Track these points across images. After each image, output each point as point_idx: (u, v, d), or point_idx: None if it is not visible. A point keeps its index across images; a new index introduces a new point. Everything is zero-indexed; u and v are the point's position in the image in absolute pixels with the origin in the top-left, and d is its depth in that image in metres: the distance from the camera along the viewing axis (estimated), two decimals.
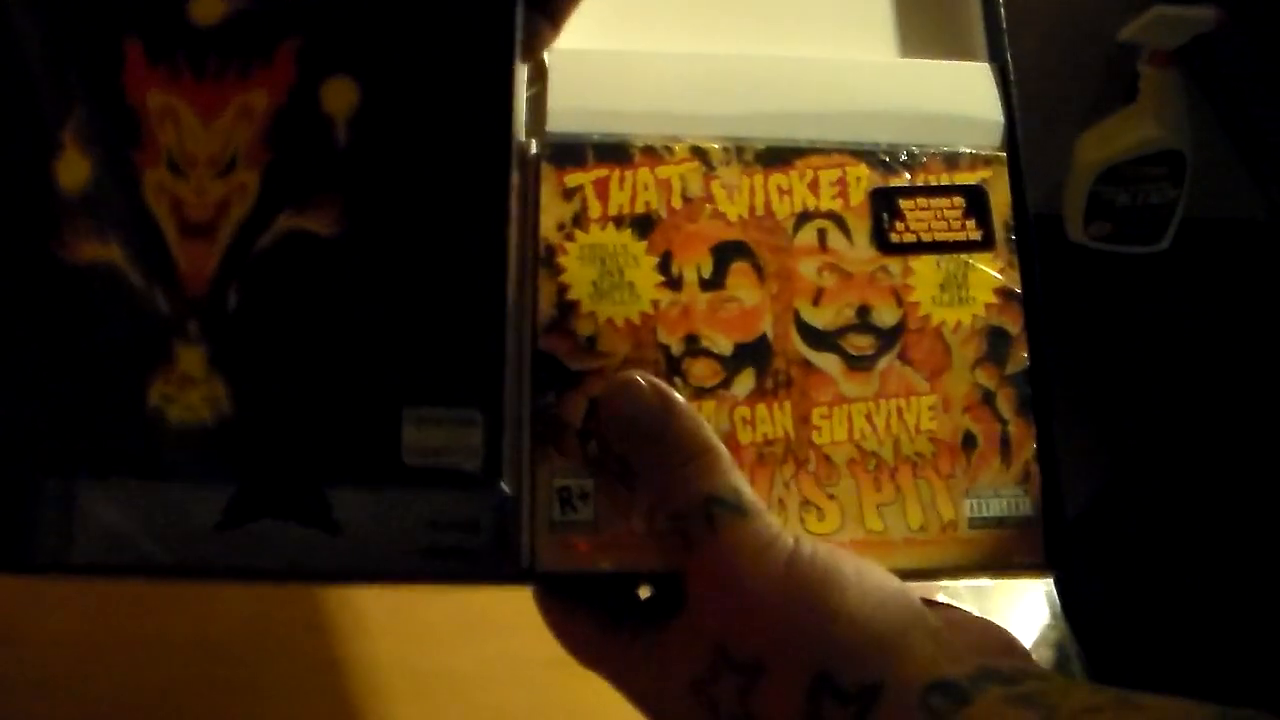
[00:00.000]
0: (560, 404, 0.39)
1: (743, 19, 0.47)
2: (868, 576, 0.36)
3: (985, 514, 0.41)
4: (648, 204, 0.42)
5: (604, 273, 0.41)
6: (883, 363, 0.42)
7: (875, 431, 0.41)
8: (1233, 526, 0.99)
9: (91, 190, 0.33)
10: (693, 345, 0.41)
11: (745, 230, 0.42)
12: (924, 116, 0.45)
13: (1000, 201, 0.44)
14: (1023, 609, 0.61)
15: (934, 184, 0.44)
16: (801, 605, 0.36)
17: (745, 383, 0.41)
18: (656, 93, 0.43)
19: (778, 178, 0.43)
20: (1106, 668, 0.61)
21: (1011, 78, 0.46)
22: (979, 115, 0.45)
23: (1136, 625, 0.92)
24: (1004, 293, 0.43)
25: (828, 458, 0.41)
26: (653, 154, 0.43)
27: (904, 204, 0.43)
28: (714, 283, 0.42)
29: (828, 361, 0.42)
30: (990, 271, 0.43)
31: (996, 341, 0.43)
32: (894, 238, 0.43)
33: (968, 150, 0.44)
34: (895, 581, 0.37)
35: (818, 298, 0.42)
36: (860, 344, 0.42)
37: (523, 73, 0.38)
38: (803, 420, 0.41)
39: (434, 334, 0.32)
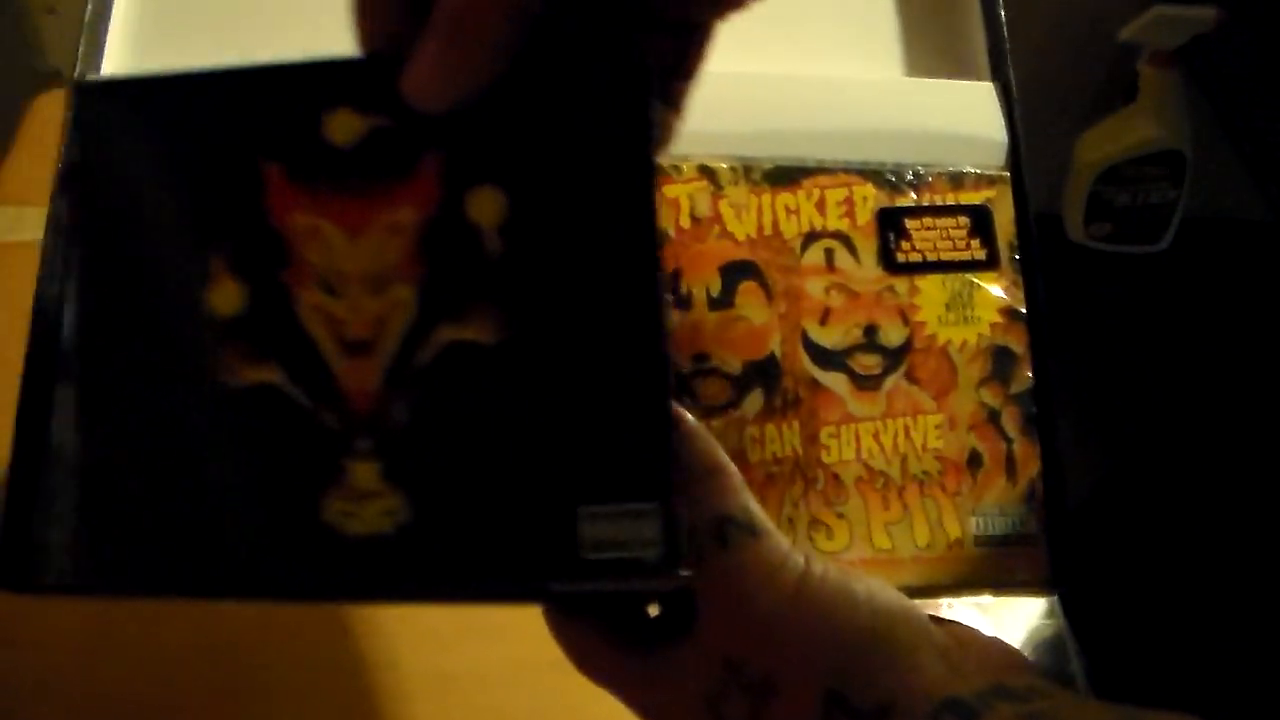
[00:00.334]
0: None
1: (749, 38, 0.47)
2: (878, 596, 0.37)
3: (991, 532, 0.42)
4: None
5: None
6: (890, 382, 0.42)
7: (883, 450, 0.42)
8: (1232, 526, 1.00)
9: (246, 314, 0.33)
10: (702, 364, 0.42)
11: (753, 250, 0.43)
12: (929, 136, 0.45)
13: (1004, 221, 0.44)
14: (1022, 607, 0.61)
15: (939, 204, 0.44)
16: (813, 624, 0.36)
17: (754, 402, 0.42)
18: None
19: (785, 197, 0.44)
20: (1107, 669, 0.61)
21: (1015, 97, 0.46)
22: (983, 135, 0.45)
23: (1135, 623, 0.92)
24: (1008, 312, 0.44)
25: (836, 476, 0.42)
26: (660, 173, 0.43)
27: (910, 224, 0.44)
28: (723, 302, 0.42)
29: (835, 380, 0.42)
30: (995, 291, 0.44)
31: (1001, 361, 0.43)
32: (900, 257, 0.43)
33: (972, 170, 0.45)
34: (905, 600, 0.38)
35: (825, 317, 0.43)
36: (867, 363, 0.43)
37: None
38: (811, 439, 0.42)
39: (602, 431, 0.33)
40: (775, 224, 0.43)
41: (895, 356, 0.43)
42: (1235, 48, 1.14)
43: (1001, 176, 0.45)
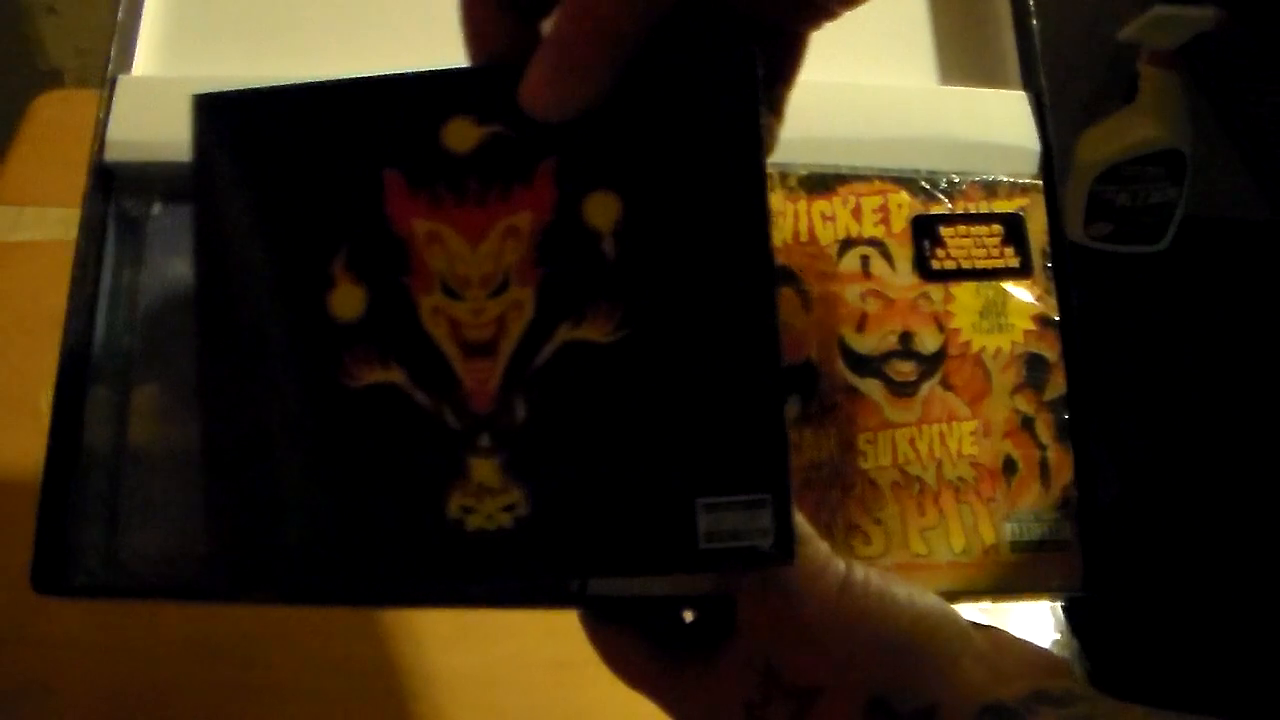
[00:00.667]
0: None
1: None
2: (919, 601, 0.37)
3: (1026, 538, 0.42)
4: None
5: None
6: (925, 389, 0.43)
7: (919, 456, 0.42)
8: (1233, 527, 1.01)
9: (367, 318, 0.34)
10: None
11: (790, 256, 0.43)
12: (962, 144, 0.45)
13: (1037, 229, 0.45)
14: (1024, 612, 0.62)
15: (973, 212, 0.44)
16: (856, 630, 0.36)
17: (791, 408, 0.42)
18: None
19: (821, 204, 0.44)
20: (1106, 668, 0.62)
21: (1047, 105, 0.46)
22: (1016, 143, 0.46)
23: (1136, 626, 0.93)
24: (1041, 320, 0.44)
25: (873, 482, 0.42)
26: None
27: (944, 231, 0.44)
28: None
29: (871, 387, 0.43)
30: (1028, 298, 0.44)
31: (1035, 368, 0.43)
32: (935, 264, 0.44)
33: (1005, 179, 0.45)
34: (945, 605, 0.38)
35: (862, 324, 0.43)
36: (903, 370, 0.43)
37: None
38: (848, 445, 0.42)
39: (716, 425, 0.34)
40: (811, 230, 0.44)
41: (931, 363, 0.43)
42: (1235, 48, 1.15)
43: (1034, 185, 0.45)
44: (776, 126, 0.39)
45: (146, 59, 0.48)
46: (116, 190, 0.45)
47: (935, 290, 0.44)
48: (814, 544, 0.38)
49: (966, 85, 0.48)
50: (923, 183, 0.45)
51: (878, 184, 0.44)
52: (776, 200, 0.44)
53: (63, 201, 0.76)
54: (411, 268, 0.34)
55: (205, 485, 0.35)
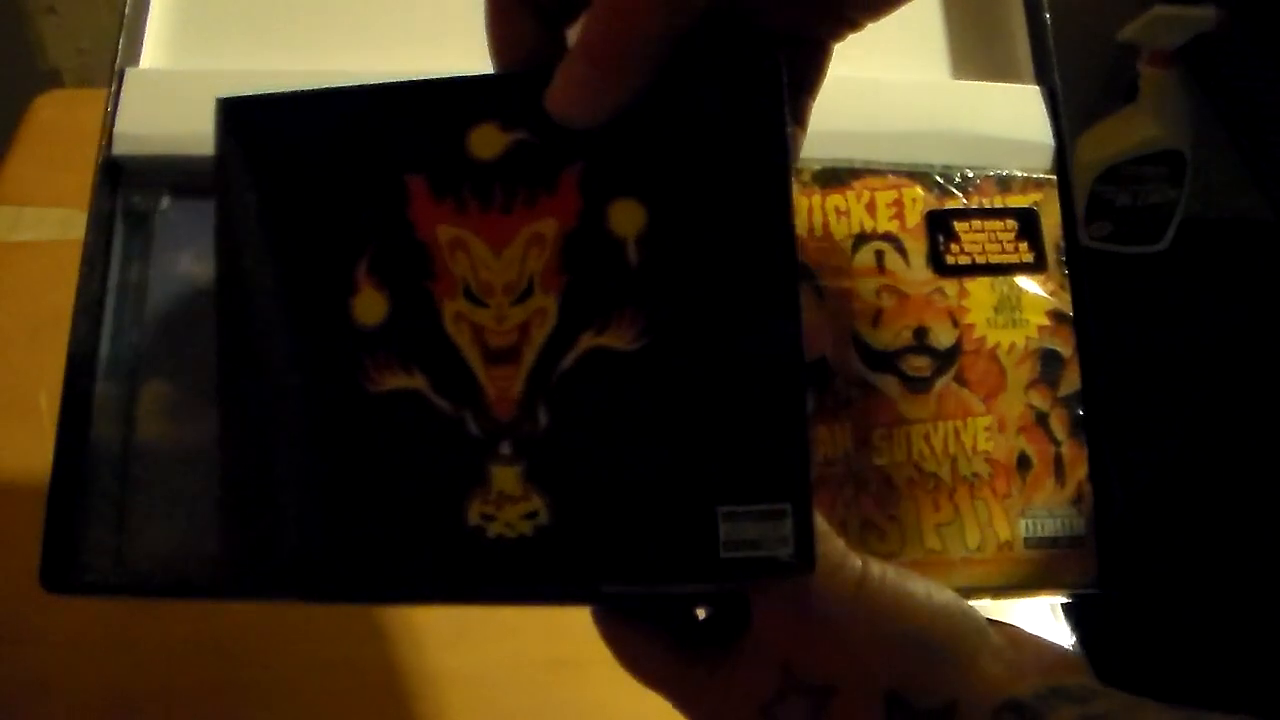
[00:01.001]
0: None
1: None
2: (937, 597, 0.37)
3: (1040, 534, 0.42)
4: None
5: None
6: (940, 384, 0.43)
7: (933, 452, 0.42)
8: (1234, 526, 1.01)
9: (389, 324, 0.34)
10: None
11: (804, 251, 0.43)
12: (976, 138, 0.45)
13: (1051, 224, 0.45)
14: (1024, 610, 0.61)
15: (987, 206, 0.44)
16: (874, 627, 0.36)
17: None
18: None
19: (835, 199, 0.44)
20: (1111, 674, 0.62)
21: (1060, 100, 0.46)
22: (1030, 138, 0.46)
23: (1136, 624, 0.93)
24: (1055, 315, 0.44)
25: (888, 478, 0.42)
26: None
27: (959, 226, 0.44)
28: None
29: (886, 383, 0.42)
30: (1042, 293, 0.44)
31: (1049, 363, 0.43)
32: (949, 259, 0.43)
33: (1019, 173, 0.45)
34: (962, 601, 0.38)
35: (876, 319, 0.43)
36: (918, 365, 0.43)
37: None
38: (862, 441, 0.42)
39: (738, 434, 0.34)
40: (825, 225, 0.43)
41: (945, 359, 0.43)
42: (1235, 48, 1.15)
43: (1048, 180, 0.45)
44: (800, 136, 0.39)
45: (154, 52, 0.47)
46: (124, 184, 0.45)
47: (950, 285, 0.43)
48: (830, 541, 0.38)
49: (980, 80, 0.48)
50: (937, 177, 0.44)
51: (892, 179, 0.44)
52: None
53: (63, 201, 0.75)
54: (435, 273, 0.34)
55: (222, 485, 0.35)
